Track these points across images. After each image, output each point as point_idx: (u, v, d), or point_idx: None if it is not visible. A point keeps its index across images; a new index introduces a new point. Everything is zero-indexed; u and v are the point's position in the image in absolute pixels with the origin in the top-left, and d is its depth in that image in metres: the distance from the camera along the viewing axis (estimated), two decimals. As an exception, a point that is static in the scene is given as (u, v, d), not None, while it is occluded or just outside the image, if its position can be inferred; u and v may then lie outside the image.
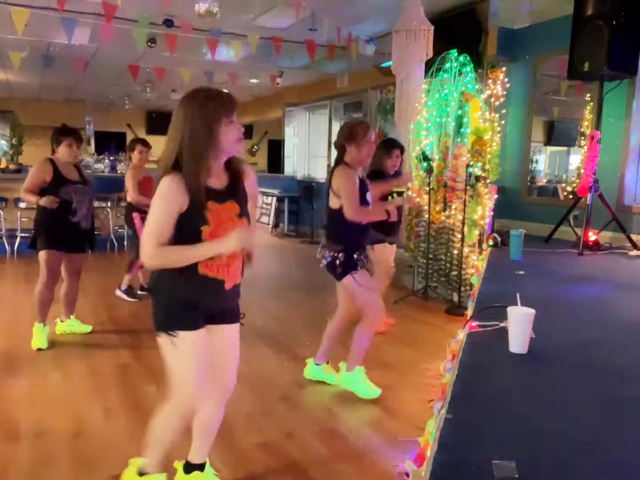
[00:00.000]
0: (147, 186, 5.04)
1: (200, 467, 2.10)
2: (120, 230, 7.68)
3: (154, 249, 1.74)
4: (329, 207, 3.03)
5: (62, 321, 4.08)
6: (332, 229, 3.04)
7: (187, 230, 1.75)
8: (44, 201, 3.60)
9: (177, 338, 1.81)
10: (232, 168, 1.88)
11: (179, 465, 2.13)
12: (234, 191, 1.86)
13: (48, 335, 3.83)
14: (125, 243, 7.73)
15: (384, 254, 4.11)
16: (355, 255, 2.96)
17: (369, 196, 3.04)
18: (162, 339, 1.84)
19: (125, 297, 5.14)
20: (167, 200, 1.74)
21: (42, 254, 3.73)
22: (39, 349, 3.72)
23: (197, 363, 1.87)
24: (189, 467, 2.10)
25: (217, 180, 1.82)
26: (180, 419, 1.95)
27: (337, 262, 2.96)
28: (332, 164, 3.13)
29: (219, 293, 1.86)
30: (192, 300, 1.83)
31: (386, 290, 4.31)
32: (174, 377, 1.90)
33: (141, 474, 2.03)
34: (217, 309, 1.91)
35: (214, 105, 1.73)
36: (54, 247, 3.74)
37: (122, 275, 5.18)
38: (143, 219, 5.27)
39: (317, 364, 3.29)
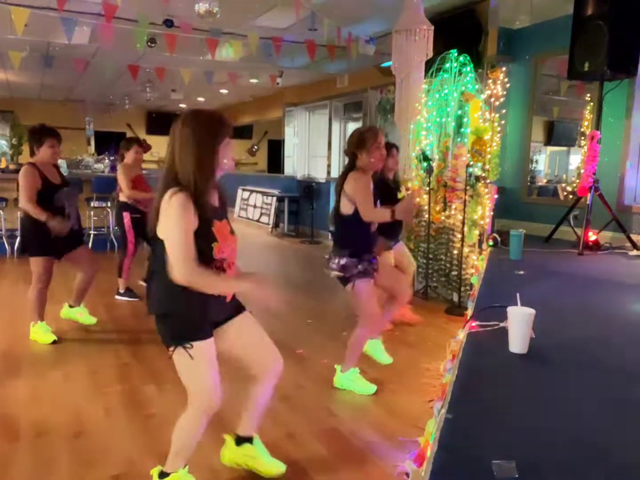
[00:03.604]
0: (139, 184, 5.03)
1: (250, 440, 2.26)
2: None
3: (191, 266, 1.79)
4: (339, 213, 3.02)
5: (70, 306, 4.13)
6: (342, 234, 3.07)
7: (200, 248, 1.84)
8: (53, 224, 3.58)
9: (192, 349, 1.90)
10: (218, 187, 2.00)
11: (229, 437, 2.28)
12: (224, 210, 2.01)
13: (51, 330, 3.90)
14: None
15: (402, 254, 4.34)
16: (362, 261, 2.97)
17: (378, 203, 3.08)
18: (177, 353, 1.93)
19: (126, 299, 5.13)
20: (188, 215, 1.80)
21: (36, 261, 3.73)
22: (54, 342, 3.82)
23: (212, 369, 1.99)
24: (240, 440, 2.26)
25: (213, 198, 1.95)
26: (204, 421, 2.04)
27: (345, 266, 2.97)
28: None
29: (223, 304, 2.01)
30: (202, 315, 1.95)
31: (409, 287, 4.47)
32: (193, 386, 2.00)
33: (163, 474, 2.08)
34: (222, 317, 2.06)
35: (217, 127, 1.86)
36: (47, 253, 3.74)
37: (116, 280, 5.18)
38: (133, 219, 5.32)
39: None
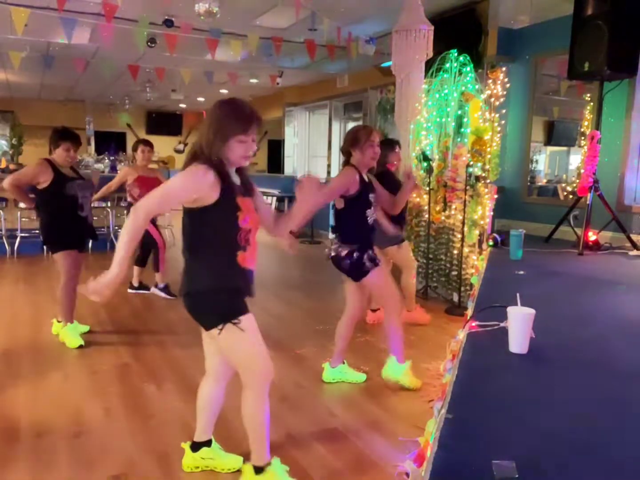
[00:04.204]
0: (147, 185, 5.02)
1: (207, 443, 2.30)
2: (120, 230, 7.67)
3: (147, 214, 1.86)
4: (335, 208, 3.12)
5: (58, 321, 4.06)
6: (343, 227, 3.12)
7: (223, 218, 1.94)
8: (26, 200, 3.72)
9: (241, 323, 1.97)
10: (241, 174, 2.06)
11: (185, 446, 2.30)
12: (247, 187, 2.05)
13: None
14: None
15: (407, 250, 4.44)
16: (371, 252, 3.05)
17: (372, 197, 3.10)
18: (226, 331, 1.96)
19: (162, 294, 5.20)
20: (192, 184, 1.89)
21: (59, 256, 3.74)
22: (80, 346, 3.76)
23: (260, 339, 2.06)
24: (196, 445, 2.30)
25: (234, 177, 2.02)
26: (265, 390, 2.07)
27: (362, 260, 3.01)
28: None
29: (250, 280, 2.07)
30: (237, 286, 2.01)
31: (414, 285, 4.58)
32: (248, 360, 2.05)
33: (258, 470, 2.10)
34: (248, 294, 2.09)
35: (234, 122, 1.91)
36: (68, 247, 3.75)
37: (153, 275, 5.25)
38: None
39: (333, 367, 3.31)
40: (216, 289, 1.98)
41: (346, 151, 3.09)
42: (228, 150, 1.92)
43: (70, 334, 3.82)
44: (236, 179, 2.03)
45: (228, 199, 1.92)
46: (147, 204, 1.86)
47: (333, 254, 3.07)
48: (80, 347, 3.77)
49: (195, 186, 1.88)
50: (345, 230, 3.09)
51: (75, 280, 3.80)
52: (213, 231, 1.95)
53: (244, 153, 1.95)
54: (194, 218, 1.96)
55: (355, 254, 3.01)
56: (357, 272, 3.05)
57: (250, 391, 2.07)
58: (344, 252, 3.03)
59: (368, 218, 3.05)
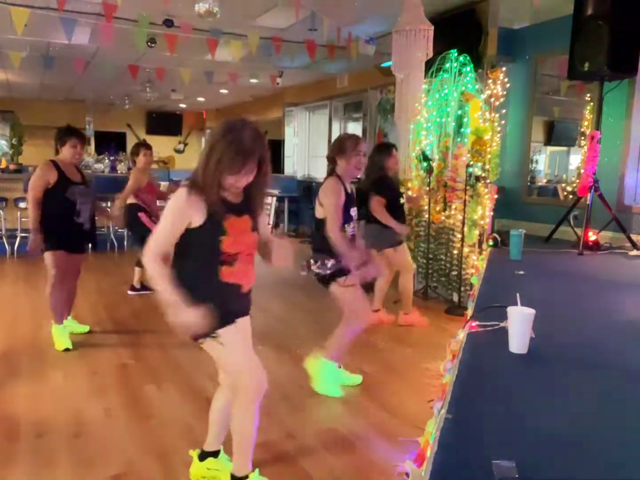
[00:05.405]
0: (149, 191, 5.10)
1: (215, 454, 2.25)
2: (120, 230, 7.68)
3: (154, 256, 1.89)
4: (314, 216, 3.06)
5: None
6: (318, 239, 3.01)
7: (206, 241, 1.92)
8: (32, 239, 3.60)
9: (220, 336, 1.97)
10: (248, 192, 2.02)
11: (194, 453, 2.26)
12: (249, 206, 2.02)
13: (62, 335, 3.82)
14: (125, 243, 7.73)
15: (405, 253, 4.42)
16: (342, 262, 2.98)
17: (353, 211, 3.05)
18: (207, 344, 2.00)
19: (142, 292, 5.20)
20: (179, 213, 1.91)
21: (49, 255, 3.72)
22: (67, 349, 3.72)
23: (245, 348, 2.07)
24: (203, 455, 2.25)
25: (234, 195, 1.99)
26: (254, 403, 2.06)
27: (328, 271, 2.99)
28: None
29: (237, 296, 2.03)
30: (216, 303, 1.94)
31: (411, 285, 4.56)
32: (232, 370, 2.08)
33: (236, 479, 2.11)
34: (236, 309, 2.06)
35: (232, 159, 1.85)
36: (59, 247, 3.74)
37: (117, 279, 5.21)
38: (149, 216, 5.34)
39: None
40: (195, 304, 1.90)
41: (331, 159, 3.04)
42: (221, 178, 1.90)
43: (58, 336, 3.78)
44: (236, 197, 1.99)
45: (213, 223, 1.90)
46: (152, 249, 1.89)
47: (303, 262, 3.07)
48: (67, 350, 3.72)
49: (182, 212, 1.89)
50: (318, 241, 2.99)
51: (64, 282, 3.80)
52: (194, 251, 1.94)
53: (234, 183, 1.93)
54: (180, 234, 1.94)
55: (318, 263, 2.99)
56: (321, 281, 3.06)
57: (238, 400, 2.07)
58: (313, 263, 3.02)
59: (345, 232, 2.99)
